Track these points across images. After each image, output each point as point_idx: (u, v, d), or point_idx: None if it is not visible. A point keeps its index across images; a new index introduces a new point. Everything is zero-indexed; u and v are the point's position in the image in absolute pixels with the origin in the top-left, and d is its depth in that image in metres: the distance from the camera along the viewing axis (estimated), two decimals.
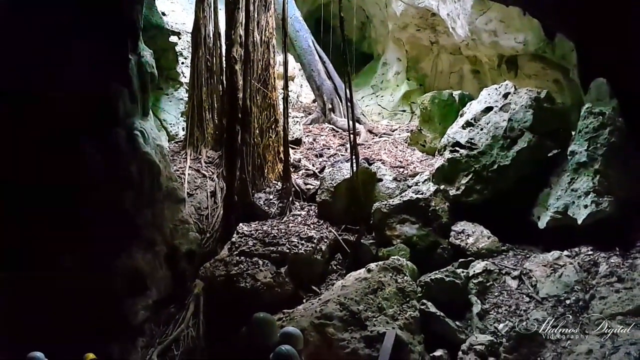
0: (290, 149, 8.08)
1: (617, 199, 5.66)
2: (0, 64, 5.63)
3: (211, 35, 9.27)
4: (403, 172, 7.76)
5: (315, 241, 6.46)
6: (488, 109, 6.99)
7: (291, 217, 7.14)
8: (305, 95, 12.20)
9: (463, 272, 5.80)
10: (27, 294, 5.60)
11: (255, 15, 7.98)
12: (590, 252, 5.69)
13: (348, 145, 7.65)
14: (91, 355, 4.77)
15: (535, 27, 7.81)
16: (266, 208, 7.38)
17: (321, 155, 8.87)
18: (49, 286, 5.62)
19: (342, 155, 8.61)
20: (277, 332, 4.54)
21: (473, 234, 6.36)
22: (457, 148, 6.87)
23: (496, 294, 5.61)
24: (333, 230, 6.80)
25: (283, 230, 6.71)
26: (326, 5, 10.94)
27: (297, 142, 9.23)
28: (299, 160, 8.60)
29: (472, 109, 7.21)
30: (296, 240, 6.46)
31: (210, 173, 8.60)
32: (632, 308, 4.85)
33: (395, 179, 7.27)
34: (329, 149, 9.11)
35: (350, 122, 7.22)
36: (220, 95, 9.12)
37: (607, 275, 5.28)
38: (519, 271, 5.77)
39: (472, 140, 6.81)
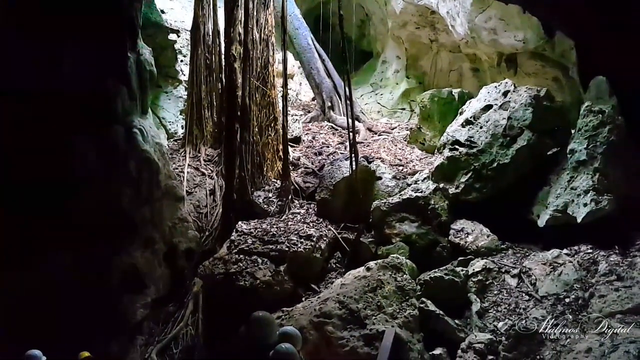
0: (289, 147, 8.08)
1: (617, 198, 5.66)
2: (0, 64, 5.62)
3: (210, 33, 9.26)
4: (402, 170, 7.75)
5: (314, 239, 6.45)
6: (488, 107, 6.97)
7: (290, 216, 7.13)
8: (304, 93, 12.18)
9: (462, 270, 5.80)
10: (26, 293, 5.59)
11: (255, 13, 7.98)
12: (589, 251, 5.68)
13: (347, 144, 7.64)
14: (86, 354, 4.77)
15: (535, 25, 7.80)
16: (265, 206, 7.37)
17: (320, 154, 8.84)
18: (48, 285, 5.62)
19: (341, 153, 8.59)
20: (277, 330, 4.53)
21: (472, 232, 6.35)
22: (457, 146, 6.85)
23: (495, 292, 5.60)
24: (332, 229, 6.79)
25: (282, 229, 6.70)
26: (325, 3, 10.93)
27: (297, 140, 9.22)
28: (298, 159, 8.58)
29: (471, 107, 7.20)
30: (295, 239, 6.45)
31: (210, 171, 8.59)
32: (631, 306, 4.85)
33: (394, 177, 7.27)
34: (328, 147, 9.09)
35: (350, 120, 7.21)
36: (220, 93, 9.12)
37: (607, 273, 5.27)
38: (518, 269, 5.76)
39: (472, 139, 6.79)
